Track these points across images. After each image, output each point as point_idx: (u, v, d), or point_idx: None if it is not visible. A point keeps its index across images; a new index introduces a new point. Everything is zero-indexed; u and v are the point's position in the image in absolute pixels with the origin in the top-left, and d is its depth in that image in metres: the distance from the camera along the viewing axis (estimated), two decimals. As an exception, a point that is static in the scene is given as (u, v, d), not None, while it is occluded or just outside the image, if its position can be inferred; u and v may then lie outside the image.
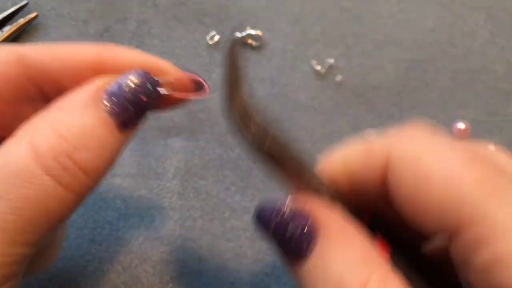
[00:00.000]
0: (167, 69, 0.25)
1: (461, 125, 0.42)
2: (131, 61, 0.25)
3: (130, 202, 0.37)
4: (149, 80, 0.24)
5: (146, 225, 0.36)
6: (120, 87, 0.23)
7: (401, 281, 0.20)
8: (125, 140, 0.23)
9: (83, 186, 0.21)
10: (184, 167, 0.39)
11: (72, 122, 0.21)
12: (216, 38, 0.44)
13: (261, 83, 0.42)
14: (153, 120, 0.40)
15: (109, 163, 0.22)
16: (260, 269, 0.36)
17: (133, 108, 0.23)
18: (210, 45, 0.44)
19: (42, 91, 0.25)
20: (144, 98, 0.23)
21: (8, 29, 0.40)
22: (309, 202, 0.22)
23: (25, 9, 0.41)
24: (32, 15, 0.41)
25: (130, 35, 0.43)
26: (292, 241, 0.21)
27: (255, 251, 0.36)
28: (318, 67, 0.43)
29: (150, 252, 0.35)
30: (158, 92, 0.24)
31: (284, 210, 0.22)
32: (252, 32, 0.44)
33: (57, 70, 0.24)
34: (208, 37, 0.44)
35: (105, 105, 0.22)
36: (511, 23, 0.48)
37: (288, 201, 0.22)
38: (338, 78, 0.43)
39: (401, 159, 0.21)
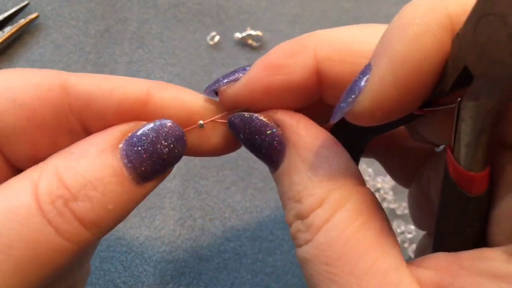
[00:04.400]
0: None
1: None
2: (181, 102, 0.22)
3: (130, 202, 0.37)
4: (174, 133, 0.21)
5: (146, 225, 0.36)
6: (141, 137, 0.20)
7: (363, 201, 0.19)
8: (143, 193, 0.21)
9: (81, 237, 0.19)
10: (185, 167, 0.39)
11: (78, 169, 0.19)
12: (216, 38, 0.44)
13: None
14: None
15: (115, 217, 0.20)
16: (260, 269, 0.36)
17: (154, 161, 0.20)
18: (210, 45, 0.44)
19: (85, 125, 0.22)
20: (165, 151, 0.21)
21: (9, 29, 0.40)
22: (278, 113, 0.22)
23: (25, 9, 0.42)
24: (33, 15, 0.41)
25: (131, 35, 0.43)
26: (263, 150, 0.21)
27: (255, 251, 0.36)
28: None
29: (151, 251, 0.35)
30: (183, 146, 0.22)
31: (254, 120, 0.21)
32: (252, 32, 0.44)
33: (102, 103, 0.22)
34: (208, 37, 0.44)
35: (122, 155, 0.20)
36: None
37: (257, 114, 0.22)
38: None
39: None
